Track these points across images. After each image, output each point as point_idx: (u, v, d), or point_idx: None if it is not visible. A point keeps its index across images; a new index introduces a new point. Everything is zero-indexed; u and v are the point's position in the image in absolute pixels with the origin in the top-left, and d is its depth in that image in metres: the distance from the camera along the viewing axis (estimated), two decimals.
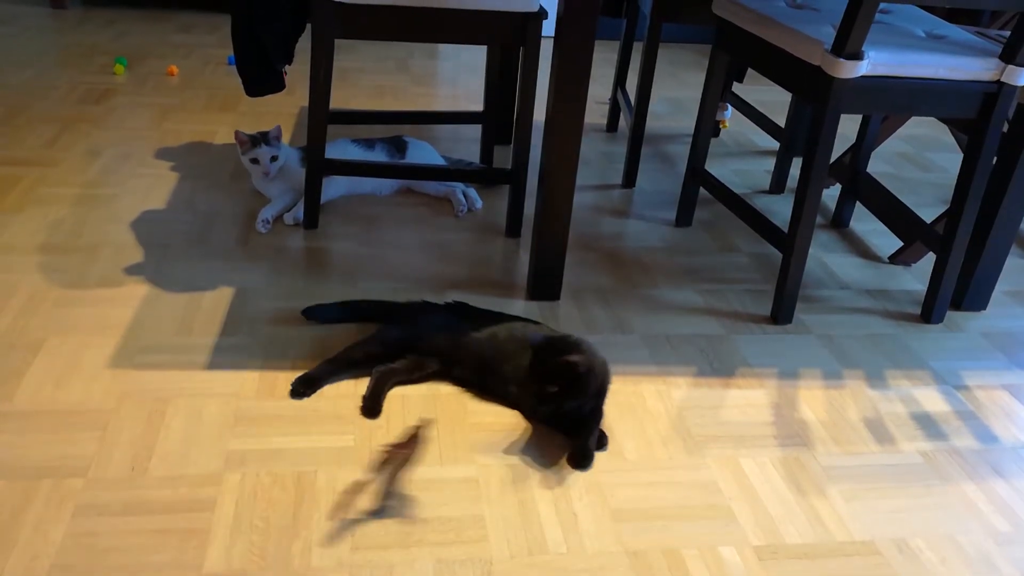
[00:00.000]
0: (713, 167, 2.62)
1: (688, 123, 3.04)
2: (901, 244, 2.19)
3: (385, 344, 1.55)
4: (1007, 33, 1.95)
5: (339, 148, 2.15)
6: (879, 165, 2.80)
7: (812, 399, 1.61)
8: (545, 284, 1.83)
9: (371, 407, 1.44)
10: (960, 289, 1.95)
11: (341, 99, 2.94)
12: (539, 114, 2.64)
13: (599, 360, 1.42)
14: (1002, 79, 1.67)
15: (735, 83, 3.35)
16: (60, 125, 2.51)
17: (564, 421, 1.43)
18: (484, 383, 1.52)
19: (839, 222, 2.34)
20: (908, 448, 1.50)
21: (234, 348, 1.59)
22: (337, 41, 2.16)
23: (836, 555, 1.26)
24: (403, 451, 1.35)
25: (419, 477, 1.33)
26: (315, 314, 1.67)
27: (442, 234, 2.09)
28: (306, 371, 1.51)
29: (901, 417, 1.58)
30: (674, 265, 2.05)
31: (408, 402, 1.49)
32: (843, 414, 1.58)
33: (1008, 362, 1.79)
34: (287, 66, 2.08)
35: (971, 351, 1.82)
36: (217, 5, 3.92)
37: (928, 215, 2.33)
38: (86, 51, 3.21)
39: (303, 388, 1.48)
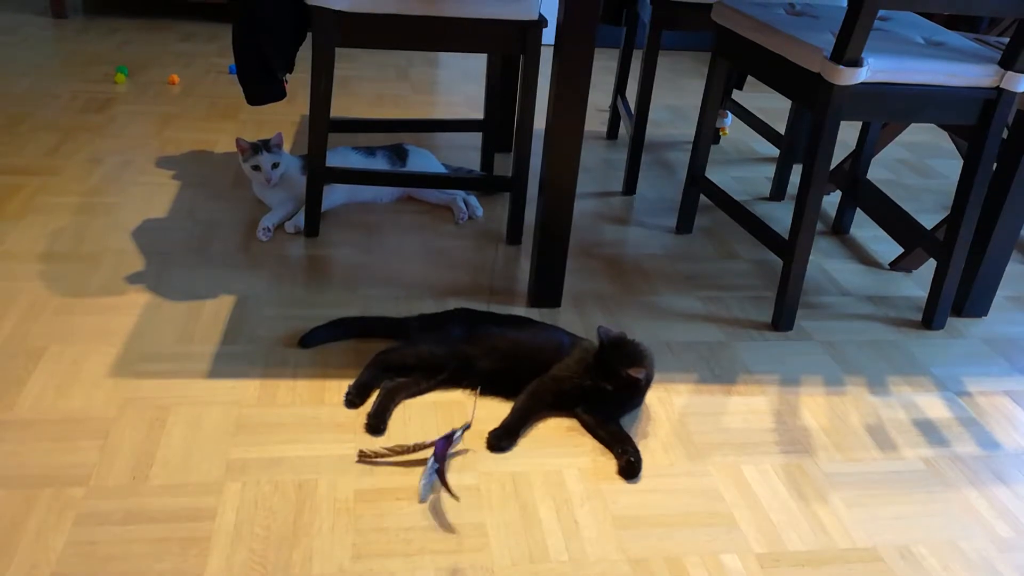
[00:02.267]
0: (713, 174, 2.62)
1: (688, 130, 3.04)
2: (902, 250, 2.19)
3: (424, 357, 1.55)
4: (1006, 39, 1.96)
5: (340, 156, 2.16)
6: (879, 171, 2.81)
7: (814, 406, 1.61)
8: (546, 291, 1.83)
9: (375, 425, 1.43)
10: (961, 295, 1.95)
11: (342, 107, 2.95)
12: (539, 122, 2.65)
13: (651, 363, 1.51)
14: (1001, 85, 1.67)
15: (735, 90, 3.35)
16: (61, 134, 2.52)
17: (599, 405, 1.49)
18: (510, 377, 1.52)
19: (839, 229, 2.34)
20: (910, 454, 1.50)
21: (235, 356, 1.59)
22: (337, 50, 2.17)
23: (838, 562, 1.26)
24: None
25: (419, 485, 1.33)
26: (311, 340, 1.63)
27: (443, 241, 2.09)
28: (357, 378, 1.51)
29: (903, 423, 1.58)
30: (675, 272, 2.05)
31: (409, 410, 1.49)
32: (845, 421, 1.57)
33: (1010, 368, 1.79)
34: (288, 75, 2.08)
35: (972, 357, 1.81)
36: (218, 14, 3.94)
37: (928, 221, 2.34)
38: (87, 60, 3.21)
39: (357, 398, 1.48)
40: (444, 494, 1.31)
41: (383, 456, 1.36)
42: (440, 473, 1.32)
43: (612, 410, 1.50)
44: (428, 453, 1.35)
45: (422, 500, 1.29)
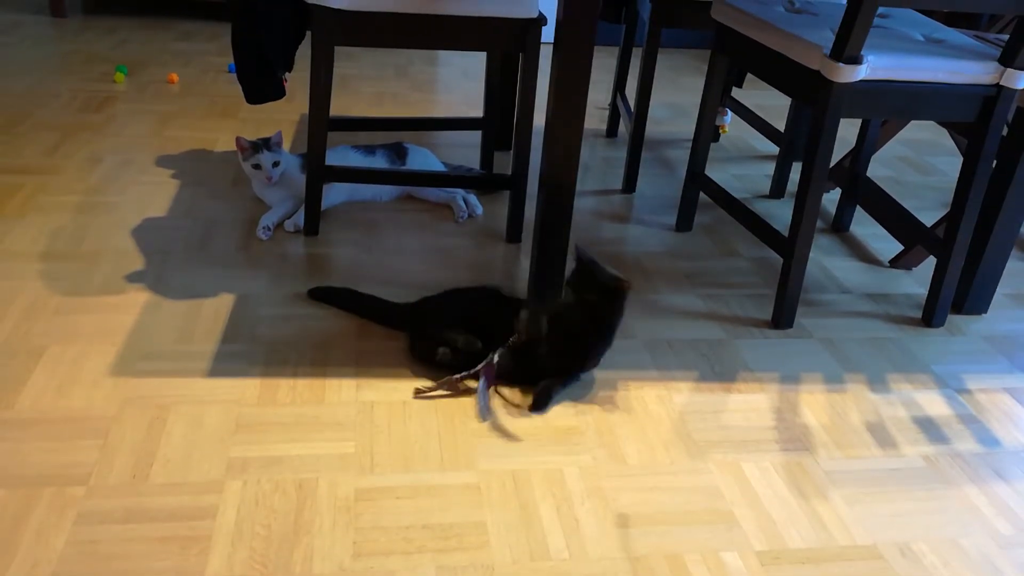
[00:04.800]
0: (713, 172, 2.62)
1: (688, 128, 3.04)
2: (901, 248, 2.19)
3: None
4: (1006, 36, 1.95)
5: (339, 155, 2.16)
6: (879, 169, 2.81)
7: (814, 403, 1.61)
8: (546, 289, 1.83)
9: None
10: (961, 292, 1.95)
11: (341, 106, 2.95)
12: (539, 120, 2.65)
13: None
14: (1001, 82, 1.67)
15: (734, 88, 3.35)
16: (61, 133, 2.51)
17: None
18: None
19: (839, 226, 2.34)
20: (910, 452, 1.50)
21: (235, 355, 1.59)
22: (337, 48, 2.17)
23: (839, 559, 1.26)
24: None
25: (420, 483, 1.33)
26: (319, 295, 1.78)
27: (443, 240, 2.09)
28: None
29: (903, 421, 1.58)
30: (675, 270, 2.05)
31: (409, 408, 1.49)
32: (845, 418, 1.57)
33: (1009, 365, 1.79)
34: (287, 73, 2.08)
35: (972, 354, 1.82)
36: (217, 13, 3.93)
37: (928, 219, 2.33)
38: (87, 59, 3.21)
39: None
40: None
41: (435, 390, 1.51)
42: (494, 389, 1.52)
43: (594, 332, 1.54)
44: (475, 384, 1.52)
45: (483, 419, 1.46)
